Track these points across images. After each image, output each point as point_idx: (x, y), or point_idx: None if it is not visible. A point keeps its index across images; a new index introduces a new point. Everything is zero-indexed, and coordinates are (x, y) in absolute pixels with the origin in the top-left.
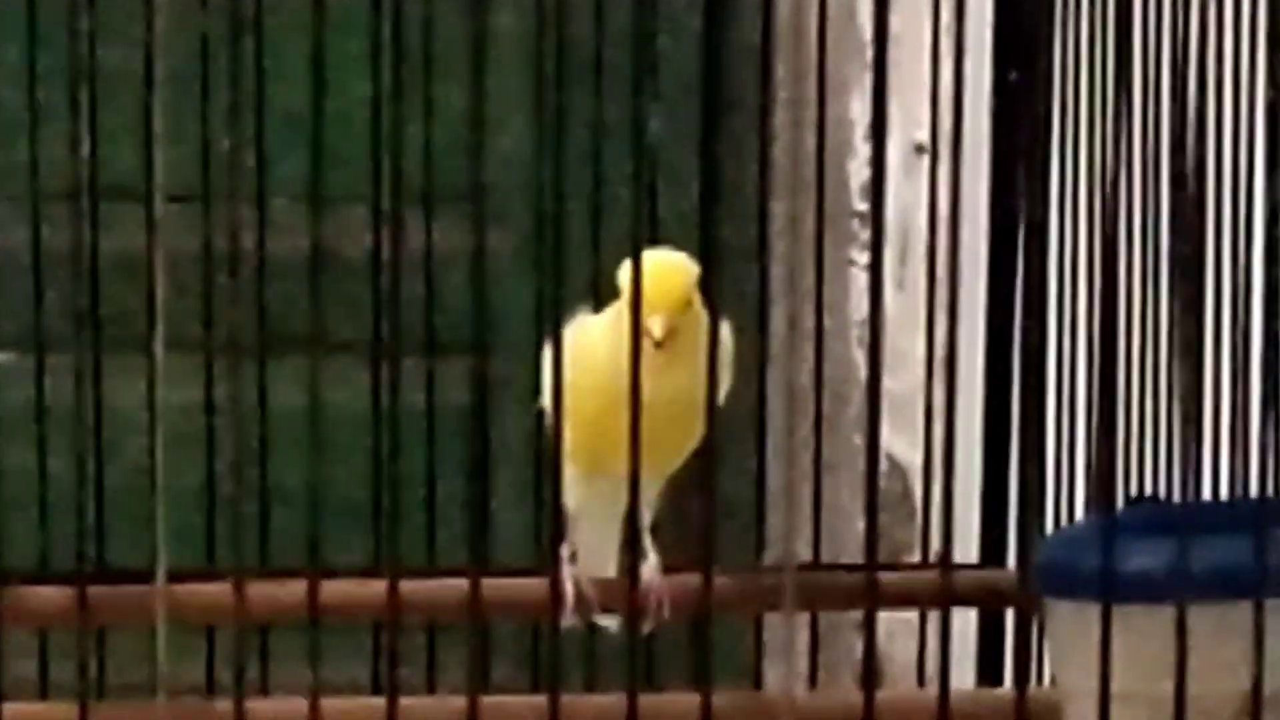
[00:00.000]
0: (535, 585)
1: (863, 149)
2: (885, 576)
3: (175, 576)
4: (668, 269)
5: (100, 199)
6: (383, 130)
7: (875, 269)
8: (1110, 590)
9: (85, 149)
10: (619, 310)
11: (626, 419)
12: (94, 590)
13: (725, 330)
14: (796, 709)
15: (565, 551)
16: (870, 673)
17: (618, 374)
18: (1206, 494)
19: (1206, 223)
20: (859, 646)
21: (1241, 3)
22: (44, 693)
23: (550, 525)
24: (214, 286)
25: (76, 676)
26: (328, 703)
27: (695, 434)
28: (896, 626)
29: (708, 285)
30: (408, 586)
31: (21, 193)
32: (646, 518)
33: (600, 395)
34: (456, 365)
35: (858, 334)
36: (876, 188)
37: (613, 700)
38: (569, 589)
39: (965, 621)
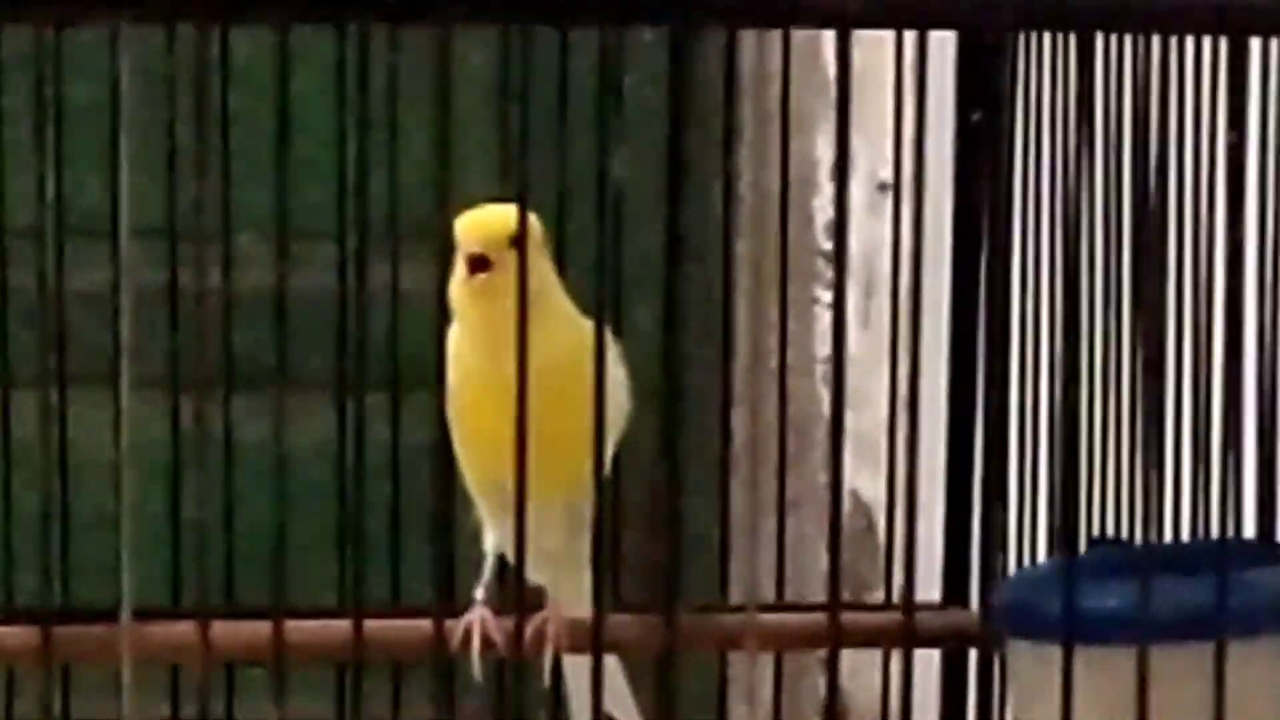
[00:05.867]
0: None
1: (827, 187)
2: (848, 616)
3: (140, 615)
4: (477, 213)
5: (66, 235)
6: (348, 168)
7: (839, 307)
8: (1072, 631)
9: (51, 186)
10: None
11: (498, 403)
12: (59, 629)
13: (613, 351)
14: None
15: (480, 594)
16: (833, 712)
17: (478, 354)
18: (1168, 535)
19: (1169, 263)
20: (823, 684)
21: (1203, 43)
22: None
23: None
24: (180, 323)
25: (41, 715)
26: None
27: (570, 418)
28: (860, 664)
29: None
30: (372, 627)
31: None
32: (556, 546)
33: (471, 388)
34: (422, 402)
35: (822, 371)
36: (840, 226)
37: None
38: (475, 632)
39: (928, 660)
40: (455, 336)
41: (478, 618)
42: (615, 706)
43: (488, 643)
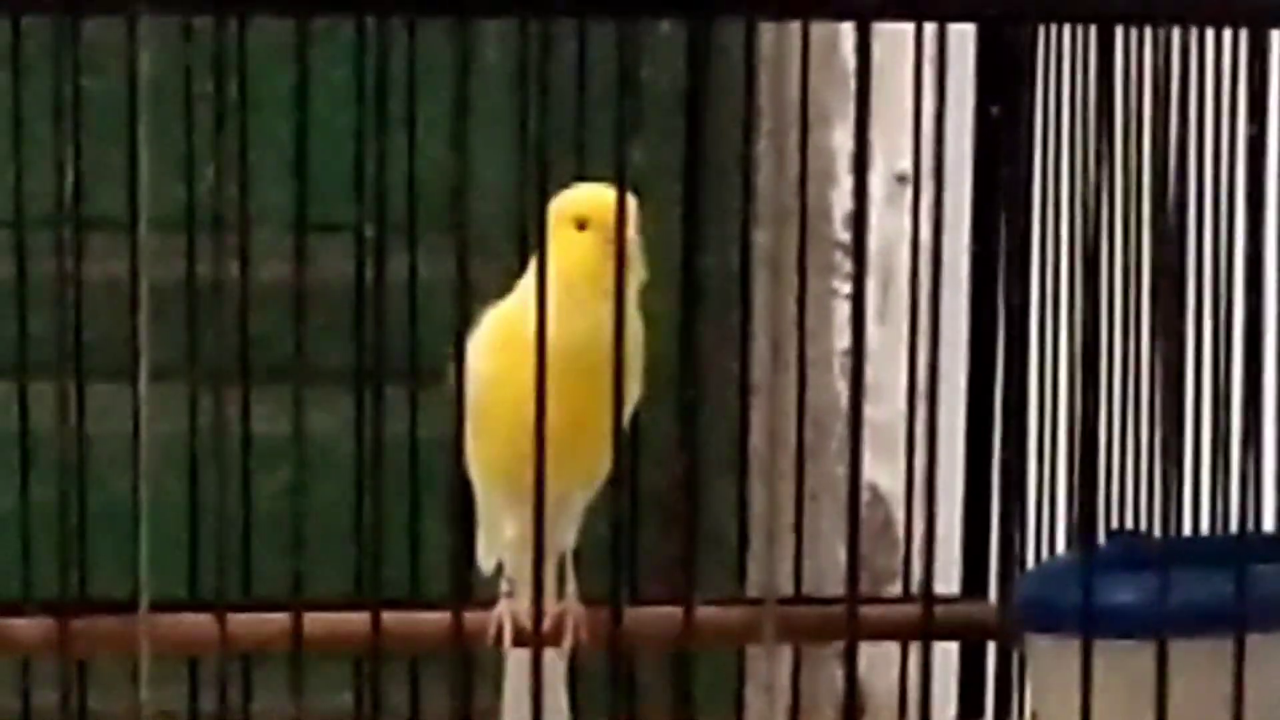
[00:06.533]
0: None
1: (845, 179)
2: (866, 609)
3: (158, 607)
4: (594, 189)
5: (84, 227)
6: (366, 159)
7: (858, 299)
8: (1091, 625)
9: (69, 178)
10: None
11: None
12: (76, 621)
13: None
14: None
15: (505, 586)
16: (851, 705)
17: (567, 328)
18: (1187, 528)
19: (1188, 255)
20: (841, 677)
21: (1223, 36)
22: None
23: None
24: (198, 315)
25: (59, 706)
26: None
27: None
28: (877, 657)
29: None
30: (390, 619)
31: (6, 221)
32: (570, 539)
33: (556, 361)
34: (440, 394)
35: (840, 364)
36: (859, 218)
37: None
38: (507, 625)
39: (947, 653)
40: (511, 322)
41: (507, 611)
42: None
43: (519, 635)
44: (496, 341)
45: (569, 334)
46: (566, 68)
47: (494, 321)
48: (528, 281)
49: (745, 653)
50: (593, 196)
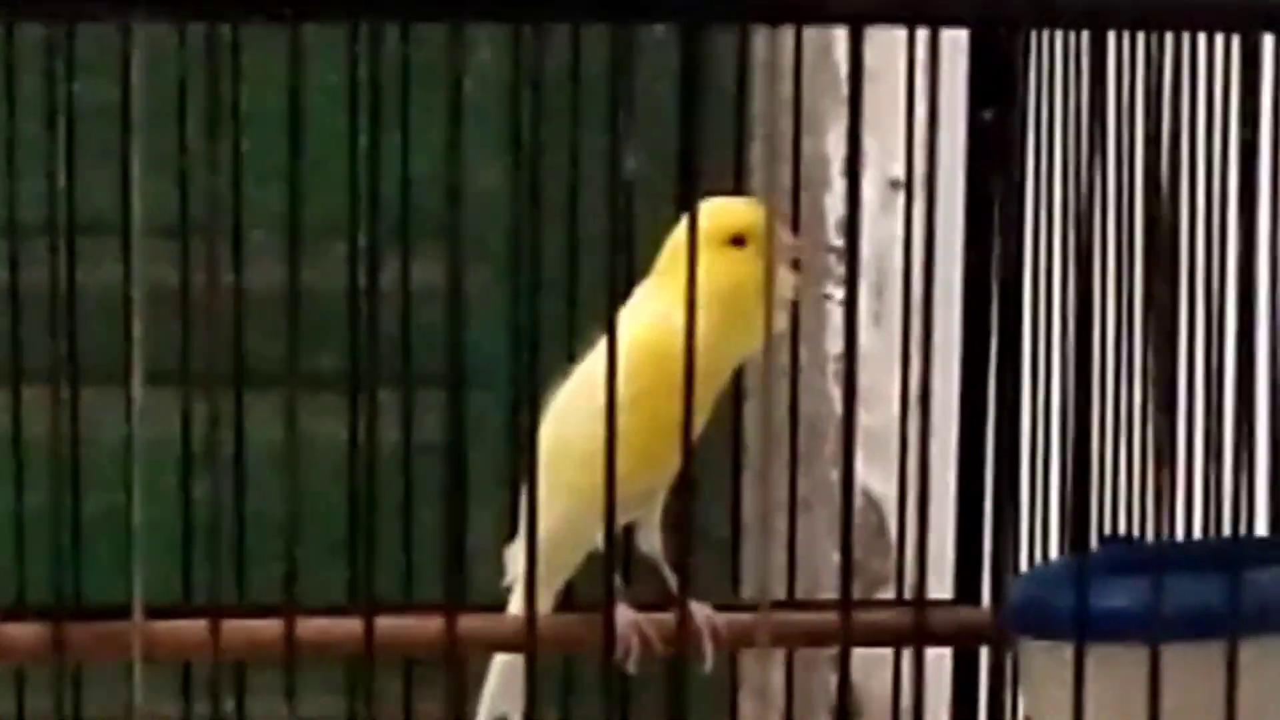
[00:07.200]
0: (509, 621)
1: (838, 184)
2: (860, 614)
3: (152, 612)
4: (738, 204)
5: (78, 233)
6: (360, 165)
7: (851, 304)
8: (1084, 629)
9: (62, 183)
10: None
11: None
12: (71, 627)
13: None
14: None
15: (619, 582)
16: (845, 709)
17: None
18: (1180, 533)
19: (1181, 261)
20: (834, 681)
21: (1215, 40)
22: None
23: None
24: (192, 320)
25: (53, 712)
26: None
27: None
28: (872, 661)
29: None
30: (384, 624)
31: None
32: (657, 542)
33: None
34: (433, 400)
35: (833, 369)
36: (852, 223)
37: None
38: (634, 640)
39: (940, 658)
40: (667, 324)
41: (632, 623)
42: (510, 703)
43: (646, 642)
44: (651, 360)
45: (725, 348)
46: (560, 73)
47: (642, 341)
48: (660, 302)
49: (739, 657)
50: (747, 213)
